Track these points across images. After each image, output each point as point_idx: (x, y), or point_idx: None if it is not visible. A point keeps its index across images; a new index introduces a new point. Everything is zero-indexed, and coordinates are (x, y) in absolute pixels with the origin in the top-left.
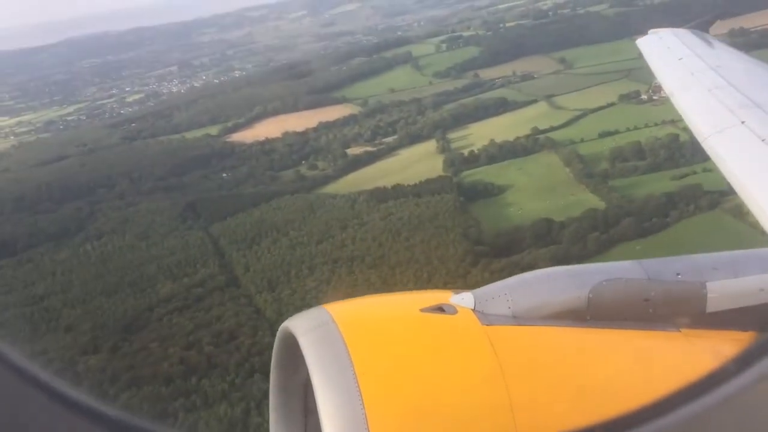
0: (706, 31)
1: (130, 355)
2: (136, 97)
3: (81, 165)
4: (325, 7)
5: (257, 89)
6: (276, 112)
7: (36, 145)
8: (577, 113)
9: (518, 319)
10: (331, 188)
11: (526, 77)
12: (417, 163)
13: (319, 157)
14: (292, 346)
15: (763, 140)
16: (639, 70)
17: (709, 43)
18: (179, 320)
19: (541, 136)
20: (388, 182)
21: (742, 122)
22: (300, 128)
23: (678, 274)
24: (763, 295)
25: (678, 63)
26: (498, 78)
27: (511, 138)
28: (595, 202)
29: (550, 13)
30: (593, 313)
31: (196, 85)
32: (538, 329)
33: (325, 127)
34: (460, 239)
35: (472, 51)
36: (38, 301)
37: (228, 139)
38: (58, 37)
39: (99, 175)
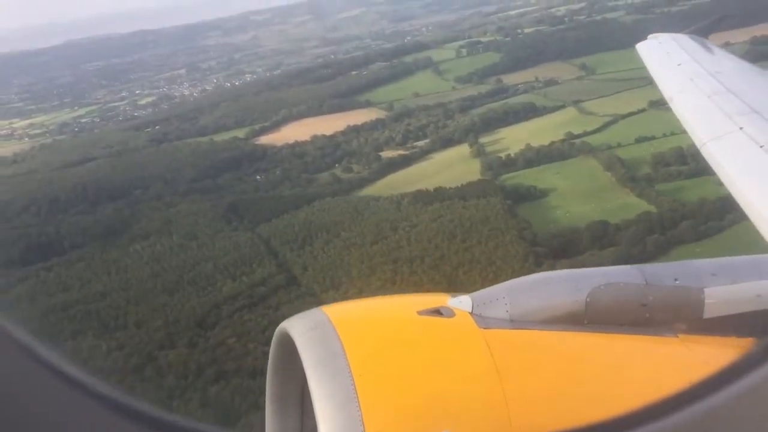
0: (706, 36)
1: (209, 350)
2: (148, 99)
3: (112, 167)
4: (329, 11)
5: (280, 93)
6: (301, 116)
7: (56, 146)
8: (608, 119)
9: (516, 322)
10: (368, 191)
11: (550, 83)
12: (452, 166)
13: (352, 160)
14: (289, 347)
15: (761, 147)
16: None
17: (709, 49)
18: (251, 317)
19: (577, 141)
20: (425, 185)
21: (741, 128)
22: (328, 132)
23: (676, 280)
24: (761, 301)
25: (677, 68)
26: (520, 83)
27: (543, 142)
28: (643, 205)
29: (566, 19)
30: (591, 318)
31: (207, 88)
32: (536, 333)
33: (354, 130)
34: (517, 241)
35: (493, 57)
36: (100, 299)
37: (256, 142)
38: (57, 39)
39: (132, 177)
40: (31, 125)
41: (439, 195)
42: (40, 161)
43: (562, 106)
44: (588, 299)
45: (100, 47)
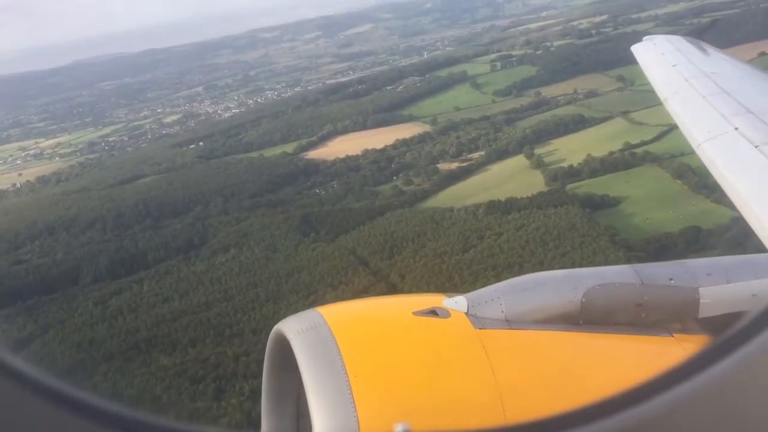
0: (701, 38)
1: None
2: (173, 117)
3: (168, 183)
4: (337, 28)
5: (320, 108)
6: (346, 130)
7: (99, 164)
8: (663, 128)
9: (511, 322)
10: (432, 202)
11: (590, 95)
12: (513, 177)
13: (410, 172)
14: (284, 348)
15: (756, 147)
16: None
17: (703, 50)
18: None
19: (638, 150)
20: (491, 196)
21: (736, 128)
22: (378, 146)
23: (671, 279)
24: (756, 301)
25: (672, 69)
26: (559, 96)
27: (600, 153)
28: (724, 211)
29: (593, 32)
30: (586, 318)
31: (230, 105)
32: (531, 333)
33: (403, 144)
34: (611, 246)
35: (528, 70)
36: (206, 308)
37: (306, 157)
38: (63, 59)
39: (190, 193)
40: (57, 144)
41: (511, 205)
42: (89, 179)
43: (610, 117)
44: (583, 299)
45: (110, 67)
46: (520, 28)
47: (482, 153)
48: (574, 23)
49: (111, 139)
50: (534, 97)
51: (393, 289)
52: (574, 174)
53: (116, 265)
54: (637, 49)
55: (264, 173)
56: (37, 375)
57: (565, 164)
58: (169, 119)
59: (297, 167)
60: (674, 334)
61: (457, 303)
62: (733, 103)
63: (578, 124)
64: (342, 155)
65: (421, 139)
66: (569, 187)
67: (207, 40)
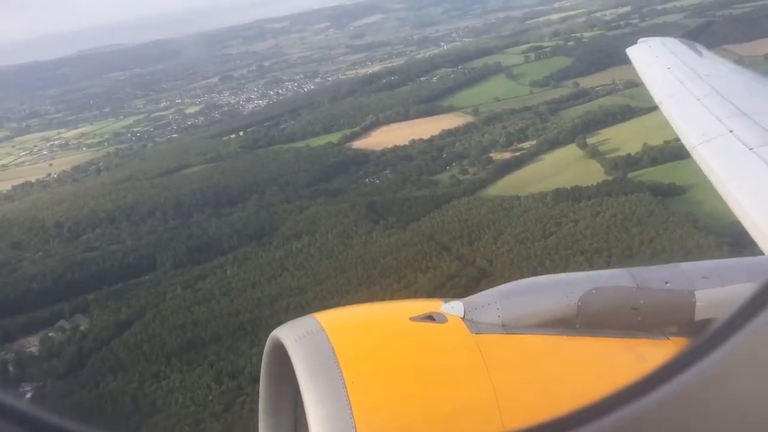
0: (696, 40)
1: None
2: (195, 108)
3: (221, 172)
4: (347, 19)
5: (359, 99)
6: (388, 121)
7: (139, 155)
8: None
9: (508, 327)
10: (493, 191)
11: (630, 85)
12: (570, 166)
13: (464, 162)
14: (281, 355)
15: (751, 149)
16: None
17: (698, 53)
18: None
19: None
20: (550, 185)
21: (731, 131)
22: (424, 136)
23: (667, 283)
24: None
25: (667, 72)
26: (597, 86)
27: (655, 142)
28: None
29: (622, 23)
30: (582, 322)
31: (252, 96)
32: (528, 337)
33: (449, 134)
34: (695, 232)
35: (563, 61)
36: (300, 293)
37: (353, 147)
38: (66, 50)
39: (245, 182)
40: (81, 135)
41: (580, 193)
42: (133, 169)
43: (656, 107)
44: (579, 303)
45: (117, 57)
46: (540, 19)
47: (533, 143)
48: (597, 14)
49: (135, 129)
50: (572, 87)
51: (483, 275)
52: (633, 163)
53: (193, 251)
54: (632, 52)
55: (315, 163)
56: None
57: (620, 153)
58: (190, 110)
59: (346, 157)
60: (670, 338)
61: (453, 308)
62: (727, 105)
63: (625, 114)
64: (389, 145)
65: (467, 129)
66: (630, 175)
67: (212, 30)
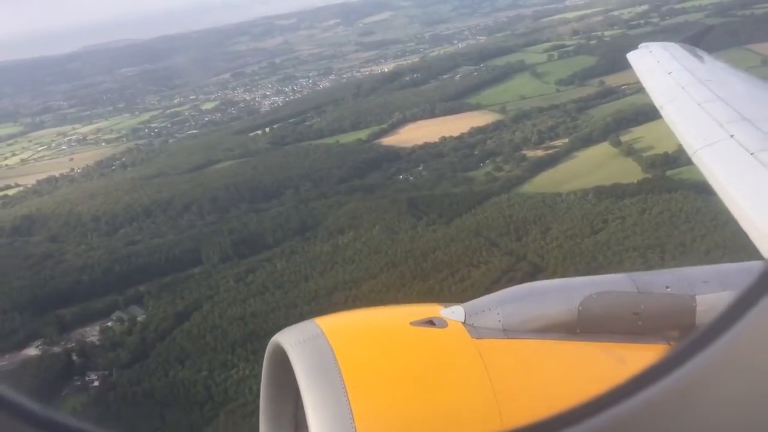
0: (697, 45)
1: None
2: (211, 105)
3: (252, 168)
4: (355, 16)
5: (382, 97)
6: (415, 118)
7: (165, 150)
8: None
9: (508, 332)
10: (529, 187)
11: None
12: (605, 164)
13: (497, 159)
14: (282, 360)
15: (752, 154)
16: None
17: (699, 57)
18: None
19: None
20: (588, 182)
21: (732, 136)
22: (454, 133)
23: (667, 287)
24: None
25: (668, 77)
26: (623, 85)
27: None
28: None
29: (642, 22)
30: (583, 326)
31: (267, 93)
32: (528, 342)
33: (479, 132)
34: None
35: (587, 60)
36: (353, 286)
37: (383, 143)
38: (72, 45)
39: (278, 177)
40: (98, 130)
41: (622, 191)
42: (161, 164)
43: None
44: (580, 308)
45: (126, 53)
46: (555, 17)
47: (565, 141)
48: (615, 13)
49: (153, 125)
50: (598, 86)
51: (536, 270)
52: (671, 161)
53: (238, 245)
54: (633, 57)
55: (346, 159)
56: (32, 407)
57: (656, 152)
58: (206, 106)
59: (378, 153)
60: (671, 342)
61: (454, 313)
62: (728, 110)
63: (656, 112)
64: (419, 142)
65: (496, 126)
66: (669, 173)
67: (219, 27)
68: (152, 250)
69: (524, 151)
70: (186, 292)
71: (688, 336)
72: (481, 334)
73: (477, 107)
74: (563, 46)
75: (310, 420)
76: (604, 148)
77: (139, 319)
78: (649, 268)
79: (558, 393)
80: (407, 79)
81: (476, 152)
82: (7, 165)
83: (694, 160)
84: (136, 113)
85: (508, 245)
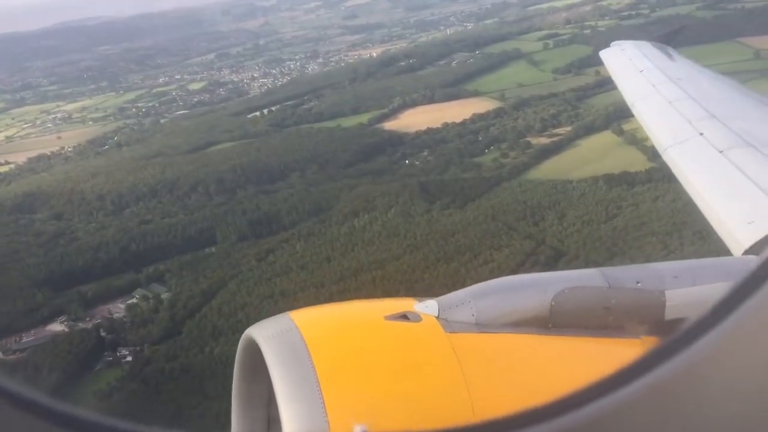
0: (668, 44)
1: None
2: (198, 85)
3: (256, 150)
4: None
5: (380, 82)
6: (415, 104)
7: (160, 130)
8: None
9: (482, 326)
10: (537, 174)
11: None
12: (609, 152)
13: (502, 146)
14: (255, 353)
15: (721, 152)
16: None
17: (670, 56)
18: None
19: None
20: (596, 170)
21: (701, 134)
22: (454, 119)
23: (638, 283)
24: None
25: (639, 75)
26: None
27: None
28: None
29: (634, 13)
30: (555, 321)
31: (255, 75)
32: (501, 336)
33: (481, 118)
34: None
35: (583, 49)
36: (381, 266)
37: (384, 128)
38: (45, 20)
39: (283, 159)
40: (83, 108)
41: (632, 178)
42: (159, 144)
43: None
44: (552, 303)
45: (104, 30)
46: (543, 5)
47: (568, 129)
48: (604, 3)
49: (140, 104)
50: (595, 75)
51: (558, 254)
52: None
53: (254, 225)
54: (605, 55)
55: (350, 143)
56: (26, 393)
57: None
58: (193, 86)
59: (381, 138)
60: (641, 337)
61: (428, 307)
62: (698, 108)
63: None
64: (421, 127)
65: (497, 114)
66: None
67: (198, 6)
68: (165, 230)
69: (528, 138)
70: (207, 271)
71: (676, 331)
72: (455, 328)
73: (476, 94)
74: (557, 34)
75: (283, 413)
76: (607, 137)
77: (163, 296)
78: (670, 253)
79: (530, 387)
80: (402, 64)
81: (480, 138)
82: None
83: (664, 157)
84: (121, 92)
85: (526, 229)
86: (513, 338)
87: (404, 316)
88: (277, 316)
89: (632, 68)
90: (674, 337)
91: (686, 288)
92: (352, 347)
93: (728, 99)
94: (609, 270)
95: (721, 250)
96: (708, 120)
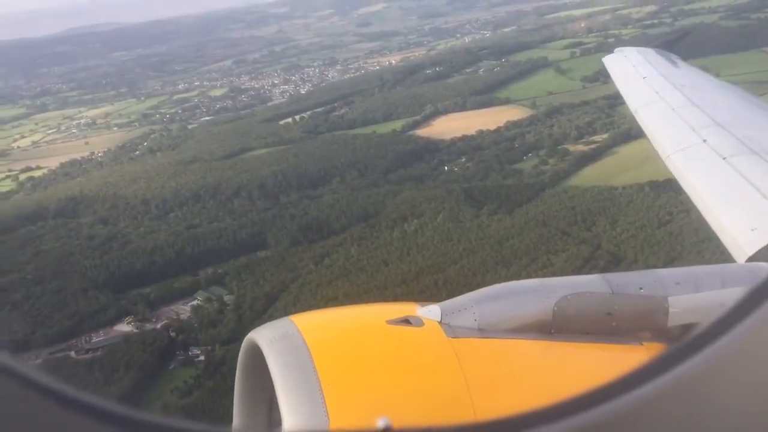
0: (671, 50)
1: None
2: (219, 92)
3: (294, 156)
4: (350, 6)
5: (409, 89)
6: (447, 111)
7: (190, 136)
8: None
9: (484, 331)
10: (578, 180)
11: None
12: (649, 159)
13: (540, 153)
14: (257, 357)
15: (724, 158)
16: None
17: (674, 63)
18: None
19: None
20: (637, 176)
21: (704, 141)
22: (488, 126)
23: (641, 288)
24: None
25: (643, 81)
26: None
27: None
28: None
29: (656, 21)
30: (558, 327)
31: (275, 81)
32: (503, 342)
33: (515, 126)
34: None
35: None
36: (437, 271)
37: (419, 135)
38: (53, 27)
39: (322, 166)
40: (107, 114)
41: (678, 186)
42: (194, 150)
43: None
44: (555, 308)
45: (118, 37)
46: (561, 14)
47: (604, 136)
48: (624, 12)
49: (162, 110)
50: None
51: (615, 259)
52: None
53: (304, 230)
54: (609, 61)
55: (387, 149)
56: (40, 377)
57: None
58: (214, 93)
59: (417, 144)
60: (644, 343)
61: (430, 312)
62: (702, 115)
63: None
64: (456, 135)
65: (531, 121)
66: None
67: (208, 12)
68: (216, 234)
69: (566, 146)
70: (267, 274)
71: (684, 337)
72: (457, 333)
73: (507, 101)
74: (581, 43)
75: (285, 417)
76: (644, 144)
77: (225, 298)
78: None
79: (533, 392)
80: (428, 72)
81: (516, 145)
82: (18, 147)
83: (668, 164)
84: (142, 98)
85: (580, 234)
86: (515, 343)
87: (407, 321)
88: (279, 320)
89: (636, 75)
90: (685, 341)
91: (689, 294)
92: (354, 351)
93: (732, 106)
94: (612, 276)
95: (725, 256)
96: (712, 127)
